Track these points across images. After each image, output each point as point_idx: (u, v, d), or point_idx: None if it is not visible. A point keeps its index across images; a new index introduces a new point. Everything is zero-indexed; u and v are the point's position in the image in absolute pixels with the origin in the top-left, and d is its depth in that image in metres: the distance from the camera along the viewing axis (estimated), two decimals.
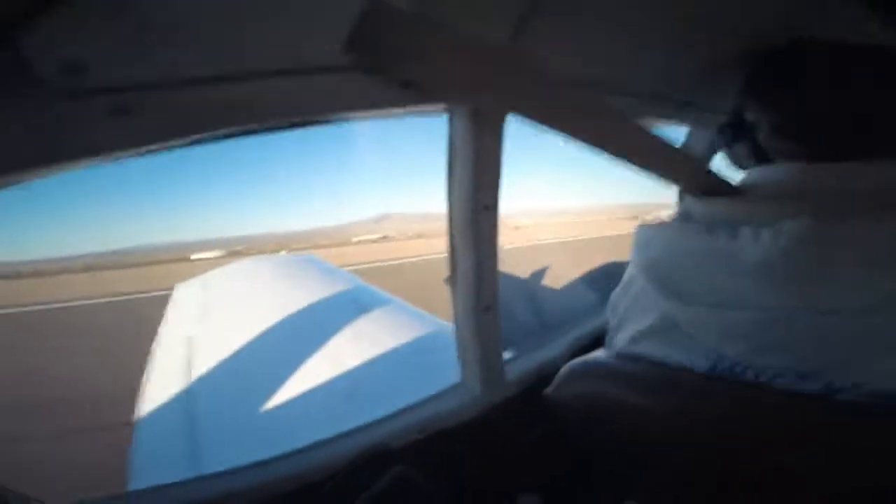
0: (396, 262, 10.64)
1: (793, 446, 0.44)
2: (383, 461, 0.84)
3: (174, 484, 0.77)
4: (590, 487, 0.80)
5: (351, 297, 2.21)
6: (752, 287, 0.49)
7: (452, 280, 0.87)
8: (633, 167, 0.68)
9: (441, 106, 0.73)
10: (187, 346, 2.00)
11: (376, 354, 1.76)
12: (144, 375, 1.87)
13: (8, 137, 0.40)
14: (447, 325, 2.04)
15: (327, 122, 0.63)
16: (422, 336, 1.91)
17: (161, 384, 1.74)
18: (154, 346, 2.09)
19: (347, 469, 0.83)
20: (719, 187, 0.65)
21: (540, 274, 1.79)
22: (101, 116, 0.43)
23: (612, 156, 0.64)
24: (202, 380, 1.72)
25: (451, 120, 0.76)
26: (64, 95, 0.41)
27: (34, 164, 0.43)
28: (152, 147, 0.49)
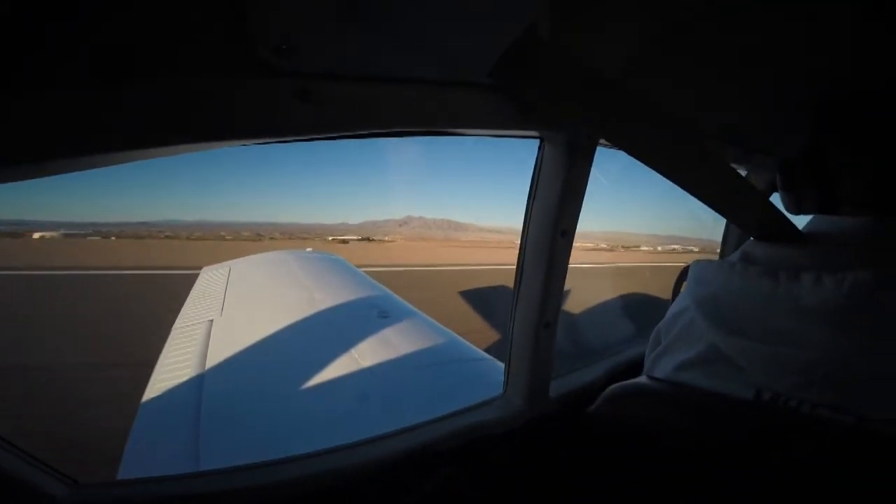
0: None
1: (823, 469, 0.47)
2: (428, 464, 0.86)
3: (173, 477, 0.75)
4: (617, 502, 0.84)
5: (374, 304, 2.22)
6: (808, 328, 0.52)
7: (516, 295, 0.92)
8: (709, 204, 0.72)
9: (535, 133, 0.78)
10: (206, 331, 2.00)
11: (395, 361, 1.76)
12: (161, 354, 1.86)
13: (208, 109, 0.44)
14: (464, 341, 2.07)
15: (451, 133, 0.67)
16: (439, 347, 1.93)
17: (174, 368, 1.72)
18: (174, 325, 2.10)
19: (394, 469, 0.84)
20: (785, 232, 0.68)
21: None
22: (288, 99, 0.47)
23: (691, 191, 0.69)
24: (215, 370, 1.69)
25: (542, 146, 0.82)
26: (265, 74, 0.45)
27: (223, 137, 0.47)
28: (321, 135, 0.53)
